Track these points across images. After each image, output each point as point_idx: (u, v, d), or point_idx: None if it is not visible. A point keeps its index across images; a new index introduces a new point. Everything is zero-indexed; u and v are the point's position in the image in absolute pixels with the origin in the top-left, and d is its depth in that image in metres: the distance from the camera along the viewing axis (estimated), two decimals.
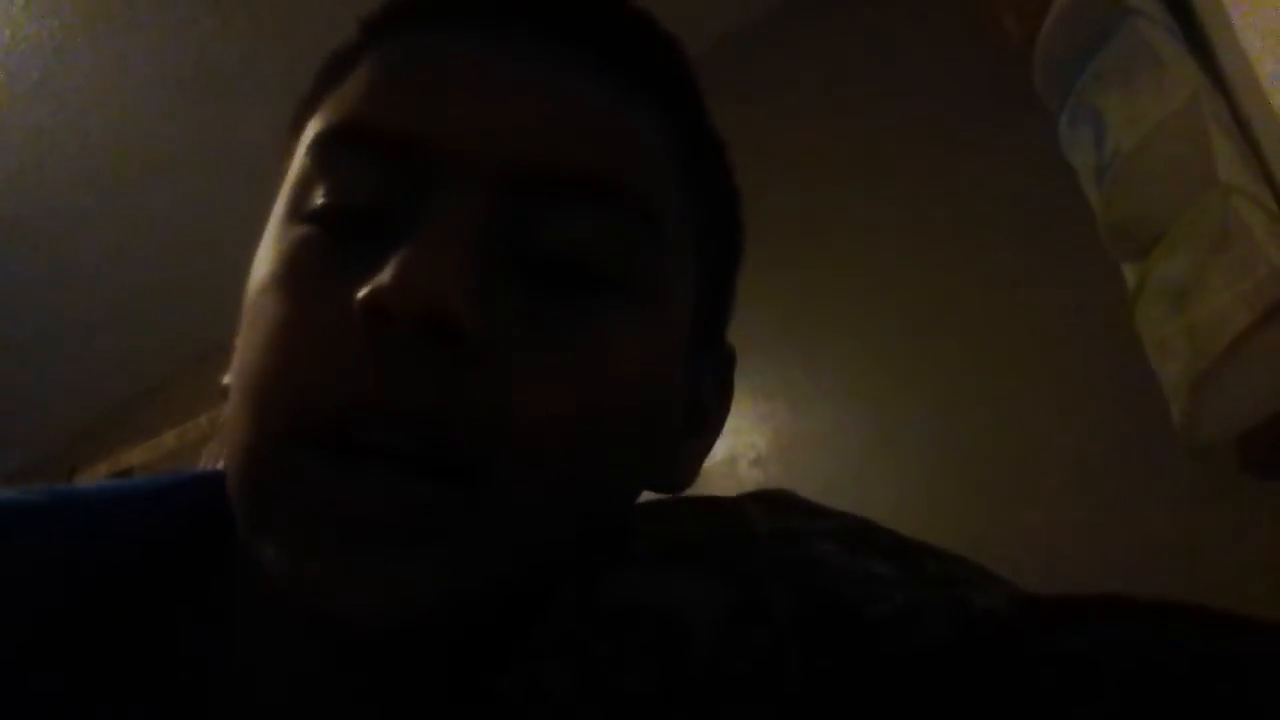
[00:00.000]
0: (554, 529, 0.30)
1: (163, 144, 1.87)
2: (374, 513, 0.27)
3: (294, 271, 0.32)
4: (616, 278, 0.32)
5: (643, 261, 0.33)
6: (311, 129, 0.34)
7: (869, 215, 1.35)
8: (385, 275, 0.28)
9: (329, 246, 0.32)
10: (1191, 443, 0.87)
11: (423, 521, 0.28)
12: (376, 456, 0.28)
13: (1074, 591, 0.24)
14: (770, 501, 0.31)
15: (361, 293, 0.28)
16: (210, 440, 2.19)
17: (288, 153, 0.37)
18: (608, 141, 0.33)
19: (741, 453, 1.38)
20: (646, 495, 0.36)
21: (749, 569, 0.27)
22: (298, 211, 0.33)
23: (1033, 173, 1.15)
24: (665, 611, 0.26)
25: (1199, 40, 0.93)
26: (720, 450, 1.43)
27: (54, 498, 0.34)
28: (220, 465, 0.34)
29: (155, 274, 2.24)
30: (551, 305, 0.31)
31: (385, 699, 0.31)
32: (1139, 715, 0.20)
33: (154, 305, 2.33)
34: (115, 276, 2.26)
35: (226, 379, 0.38)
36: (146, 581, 0.34)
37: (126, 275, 2.25)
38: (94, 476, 2.64)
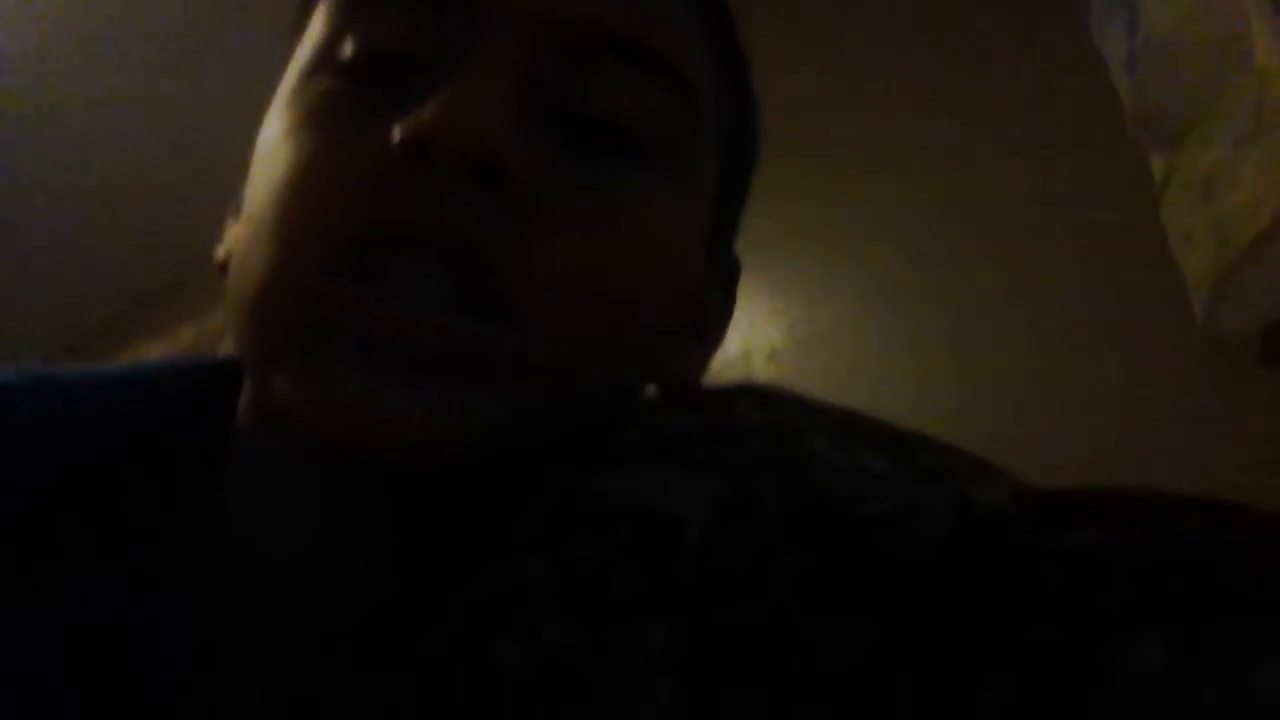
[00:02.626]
0: (569, 390, 0.30)
1: (176, 29, 1.83)
2: (400, 333, 0.27)
3: (319, 115, 0.31)
4: (652, 149, 0.32)
5: (679, 139, 0.33)
6: None
7: (889, 107, 1.31)
8: (428, 111, 0.27)
9: (357, 93, 0.31)
10: (1213, 335, 0.86)
11: (449, 348, 0.27)
12: (409, 281, 0.27)
13: (1079, 485, 0.24)
14: (759, 396, 0.31)
15: (402, 128, 0.27)
16: (227, 336, 2.19)
17: (299, 25, 0.35)
18: (656, 14, 0.32)
19: (757, 347, 1.38)
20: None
21: (737, 463, 0.26)
22: (321, 66, 0.32)
23: (1063, 66, 1.11)
24: (651, 510, 0.25)
25: None
26: (735, 345, 1.43)
27: (34, 379, 0.34)
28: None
29: (175, 164, 2.21)
30: (589, 165, 0.31)
31: (381, 553, 0.31)
32: (1150, 608, 0.19)
33: (173, 197, 2.32)
34: (135, 164, 2.23)
35: (221, 252, 0.37)
36: (139, 454, 0.34)
37: (147, 163, 2.22)
38: None
